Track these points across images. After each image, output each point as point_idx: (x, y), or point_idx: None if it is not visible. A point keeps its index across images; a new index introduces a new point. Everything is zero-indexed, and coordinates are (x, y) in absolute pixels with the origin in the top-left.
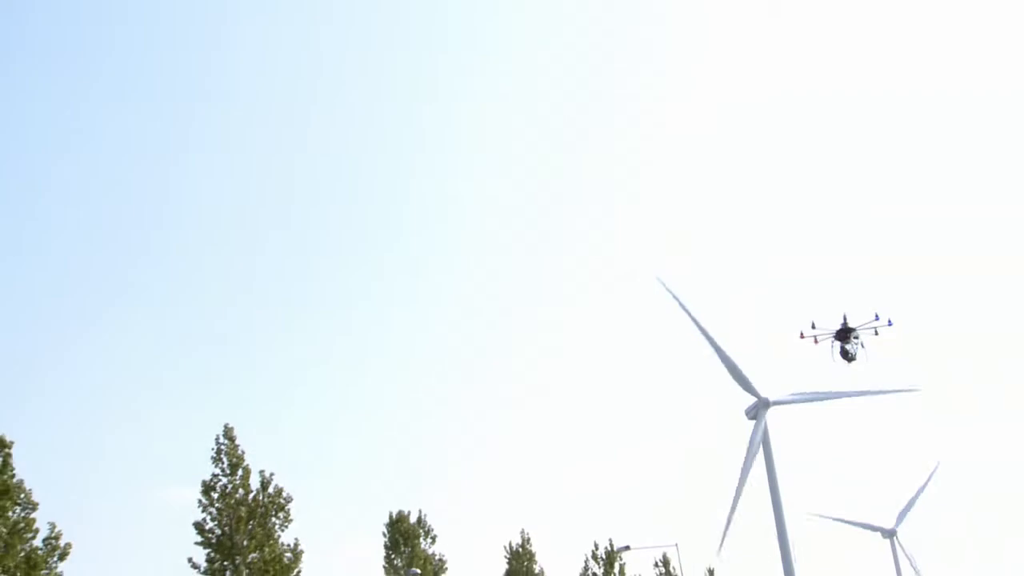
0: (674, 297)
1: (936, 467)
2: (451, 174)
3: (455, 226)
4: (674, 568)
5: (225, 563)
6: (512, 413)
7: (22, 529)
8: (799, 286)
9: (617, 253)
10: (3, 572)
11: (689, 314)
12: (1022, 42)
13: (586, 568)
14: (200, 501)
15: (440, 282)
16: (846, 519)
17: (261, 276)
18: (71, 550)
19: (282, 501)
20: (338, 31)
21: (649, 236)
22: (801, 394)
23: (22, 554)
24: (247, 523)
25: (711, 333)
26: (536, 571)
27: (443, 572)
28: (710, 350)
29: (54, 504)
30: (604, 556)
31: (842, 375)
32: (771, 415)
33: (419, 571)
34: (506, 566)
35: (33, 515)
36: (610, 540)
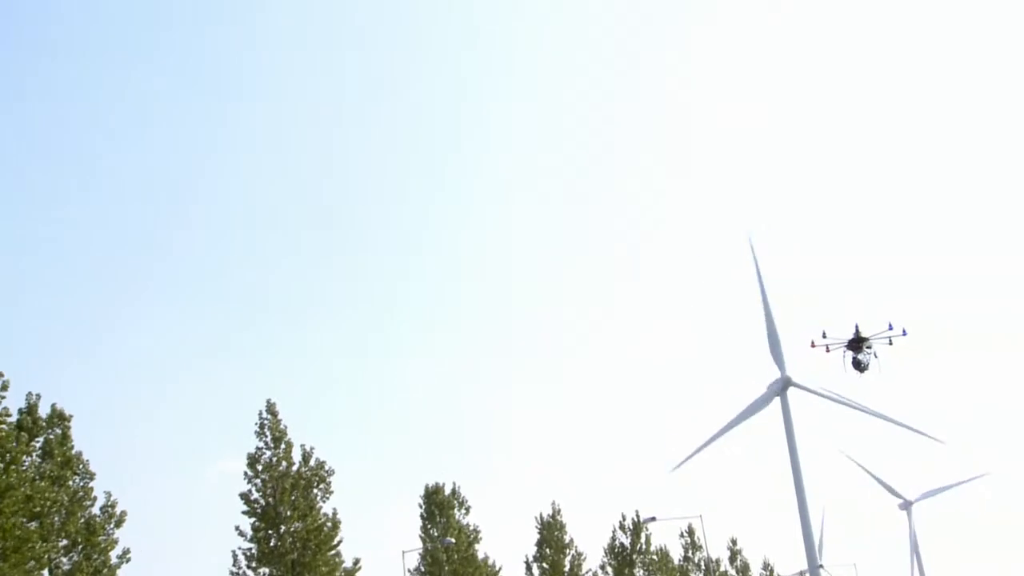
0: (755, 259)
1: (982, 475)
2: (493, 165)
3: (489, 214)
4: (699, 538)
5: (269, 531)
6: (543, 388)
7: (81, 498)
8: (810, 290)
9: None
10: (66, 537)
11: (759, 278)
12: None
13: (614, 538)
14: (246, 473)
15: (476, 258)
16: (873, 473)
17: (304, 268)
18: (126, 518)
19: (324, 473)
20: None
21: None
22: (826, 390)
23: (82, 520)
24: (290, 494)
25: (768, 300)
26: (567, 541)
27: (477, 542)
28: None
29: (110, 475)
30: (631, 526)
31: (867, 383)
32: (804, 403)
33: (453, 540)
34: (537, 535)
35: (91, 484)
36: (636, 511)
